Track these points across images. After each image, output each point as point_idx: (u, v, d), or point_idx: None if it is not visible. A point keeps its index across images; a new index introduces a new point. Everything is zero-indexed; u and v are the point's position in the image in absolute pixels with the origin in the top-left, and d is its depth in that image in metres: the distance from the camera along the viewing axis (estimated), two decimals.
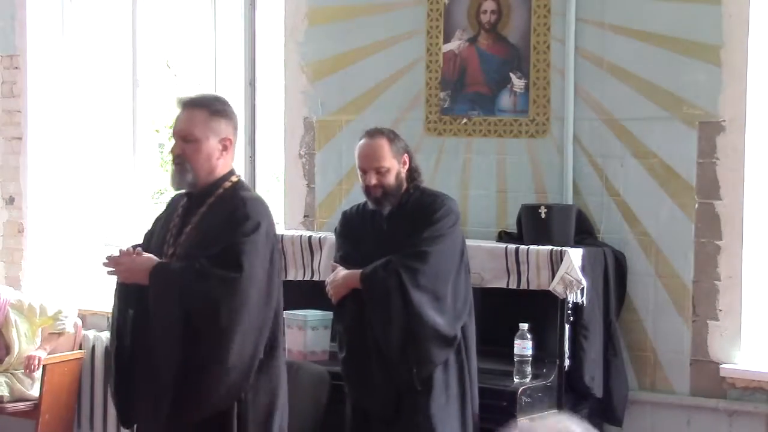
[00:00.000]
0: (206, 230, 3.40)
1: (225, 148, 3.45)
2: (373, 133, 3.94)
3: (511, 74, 4.71)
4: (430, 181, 4.83)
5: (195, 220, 3.44)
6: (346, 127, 5.11)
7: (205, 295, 3.24)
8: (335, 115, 5.16)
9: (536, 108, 4.65)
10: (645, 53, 4.40)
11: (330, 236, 4.91)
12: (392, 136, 3.94)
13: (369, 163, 3.88)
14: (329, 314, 4.67)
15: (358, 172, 3.94)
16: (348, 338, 3.90)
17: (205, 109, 3.43)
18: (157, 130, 7.22)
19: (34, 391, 5.54)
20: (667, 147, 4.37)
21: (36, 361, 5.49)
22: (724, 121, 4.25)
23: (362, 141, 3.95)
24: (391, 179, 3.89)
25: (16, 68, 6.15)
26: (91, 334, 5.84)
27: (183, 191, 3.54)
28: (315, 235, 4.93)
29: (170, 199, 3.73)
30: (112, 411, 5.73)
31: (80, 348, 5.80)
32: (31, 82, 6.12)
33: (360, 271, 3.82)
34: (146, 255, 3.36)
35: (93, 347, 5.80)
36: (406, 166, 3.93)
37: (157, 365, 3.31)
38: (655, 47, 4.38)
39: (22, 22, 6.10)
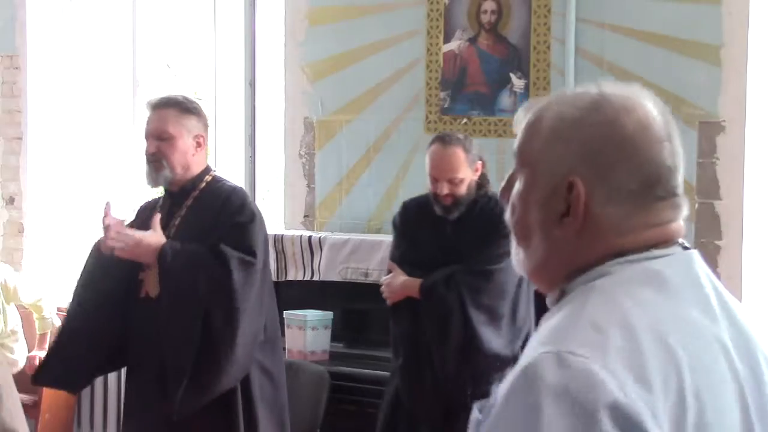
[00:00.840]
0: (199, 220, 3.46)
1: (199, 145, 3.54)
2: (448, 141, 3.76)
3: (511, 74, 4.71)
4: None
5: (183, 214, 3.51)
6: (346, 127, 5.12)
7: (226, 275, 3.31)
8: (335, 115, 5.16)
9: None
10: (645, 53, 4.40)
11: (330, 236, 4.92)
12: (468, 145, 3.76)
13: (443, 174, 3.72)
14: (329, 314, 4.68)
15: (428, 177, 3.78)
16: (404, 345, 3.80)
17: (176, 107, 3.51)
18: None
19: (18, 355, 5.45)
20: None
21: (37, 362, 5.48)
22: (724, 121, 4.25)
23: (436, 147, 3.76)
24: (463, 189, 3.74)
25: (16, 68, 6.16)
26: None
27: (154, 197, 3.64)
28: (315, 235, 4.93)
29: (138, 208, 3.79)
30: (112, 411, 5.73)
31: None
32: (31, 82, 6.12)
33: (420, 281, 3.71)
34: (150, 232, 3.38)
35: None
36: (478, 173, 3.80)
37: (173, 347, 3.32)
38: (655, 47, 4.38)
39: (22, 22, 6.10)
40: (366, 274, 4.76)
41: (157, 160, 3.47)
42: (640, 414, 1.13)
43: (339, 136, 5.14)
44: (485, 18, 4.77)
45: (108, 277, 3.50)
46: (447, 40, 4.86)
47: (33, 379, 3.80)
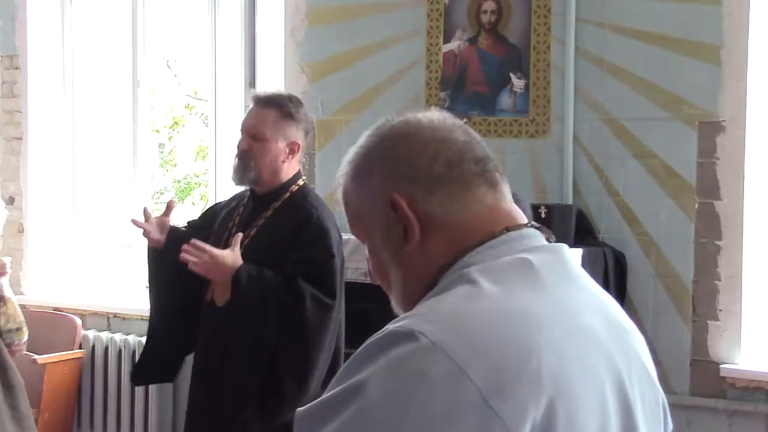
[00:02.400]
0: (273, 237, 3.37)
1: (292, 152, 3.43)
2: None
3: (511, 74, 4.71)
4: None
5: (260, 224, 3.42)
6: (346, 127, 5.12)
7: (299, 313, 3.24)
8: (335, 115, 5.17)
9: (536, 108, 4.65)
10: (645, 53, 4.40)
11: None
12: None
13: None
14: None
15: None
16: None
17: (278, 109, 3.41)
18: (157, 130, 7.24)
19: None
20: (667, 147, 4.37)
21: None
22: (724, 121, 4.25)
23: None
24: None
25: (16, 68, 6.16)
26: (91, 334, 5.84)
27: (247, 188, 3.53)
28: None
29: (234, 194, 3.70)
30: (112, 411, 5.73)
31: (80, 348, 5.81)
32: (31, 82, 6.12)
33: None
34: (228, 252, 3.29)
35: (93, 347, 5.80)
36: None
37: (240, 367, 3.29)
38: (655, 47, 4.38)
39: (22, 22, 6.10)
40: (366, 274, 4.75)
41: (245, 158, 3.40)
42: (469, 392, 1.13)
43: (339, 136, 5.14)
44: (485, 18, 4.77)
45: (179, 282, 3.47)
46: (447, 40, 4.87)
47: (132, 380, 4.12)
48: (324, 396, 1.20)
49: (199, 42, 6.00)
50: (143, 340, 5.52)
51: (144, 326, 5.63)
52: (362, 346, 1.22)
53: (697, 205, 4.31)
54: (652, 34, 4.39)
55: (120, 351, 5.71)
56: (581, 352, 1.23)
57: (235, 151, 3.48)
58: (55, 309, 5.97)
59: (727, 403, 4.25)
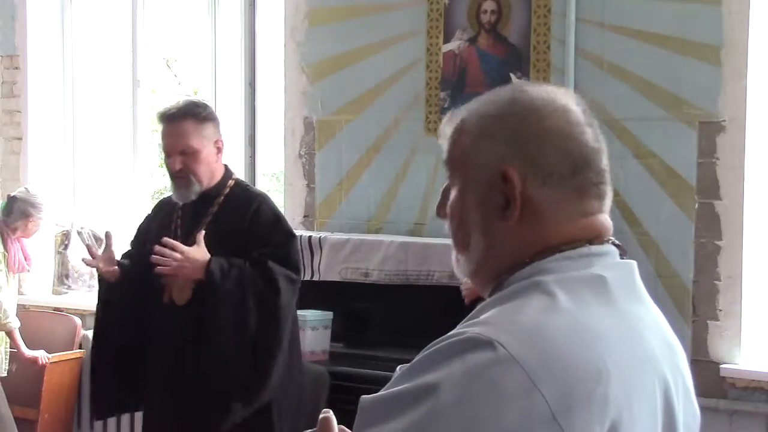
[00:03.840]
0: (227, 227, 3.45)
1: (219, 150, 3.53)
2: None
3: (511, 74, 4.71)
4: (429, 181, 4.84)
5: (208, 221, 3.48)
6: (346, 127, 5.12)
7: (274, 293, 3.35)
8: (335, 115, 5.16)
9: None
10: (645, 53, 4.40)
11: (330, 236, 4.92)
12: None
13: None
14: (329, 314, 4.69)
15: None
16: None
17: (193, 118, 3.45)
18: (157, 130, 7.23)
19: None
20: (667, 147, 4.37)
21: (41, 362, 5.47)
22: (724, 121, 4.25)
23: None
24: None
25: (16, 68, 6.16)
26: (90, 334, 5.83)
27: (168, 196, 3.62)
28: (315, 235, 4.93)
29: (159, 202, 3.78)
30: None
31: (80, 348, 5.80)
32: (31, 82, 6.12)
33: None
34: (195, 248, 3.36)
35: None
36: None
37: (222, 361, 3.32)
38: (655, 47, 4.38)
39: (22, 22, 6.10)
40: (366, 274, 4.76)
41: (184, 176, 3.44)
42: (543, 413, 1.14)
43: (339, 136, 5.14)
44: (485, 18, 4.77)
45: (131, 293, 3.51)
46: (447, 40, 4.86)
47: (96, 415, 3.96)
48: (393, 389, 1.20)
49: (199, 42, 5.99)
50: None
51: None
52: (436, 345, 1.21)
53: (697, 205, 4.31)
54: (652, 34, 4.39)
55: None
56: (642, 377, 1.26)
57: (166, 173, 3.55)
58: (55, 309, 5.97)
59: (727, 403, 4.25)
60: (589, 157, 1.32)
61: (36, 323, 5.71)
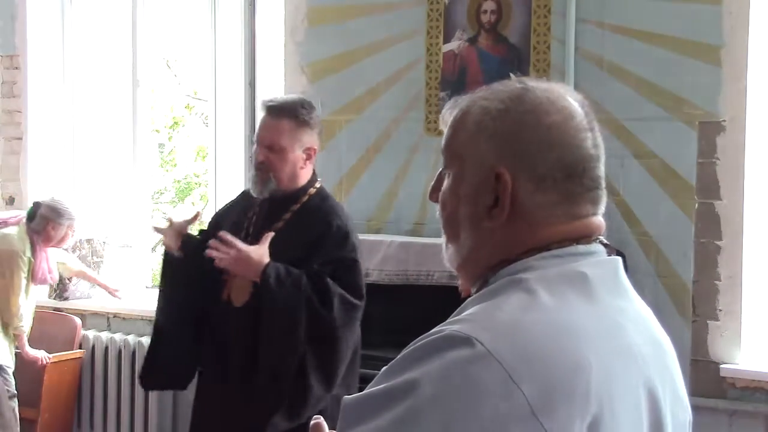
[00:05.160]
0: (294, 238, 3.36)
1: (309, 157, 3.44)
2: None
3: (511, 74, 4.69)
4: (429, 181, 4.83)
5: (279, 226, 3.40)
6: (346, 127, 5.12)
7: (327, 311, 3.26)
8: (335, 115, 5.16)
9: None
10: (645, 53, 4.40)
11: None
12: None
13: None
14: None
15: None
16: None
17: (293, 119, 3.39)
18: (157, 130, 7.24)
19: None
20: (667, 147, 4.37)
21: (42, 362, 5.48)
22: (724, 121, 4.25)
23: None
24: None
25: (16, 68, 6.16)
26: (90, 334, 5.84)
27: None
28: None
29: (241, 193, 3.69)
30: (112, 411, 5.73)
31: (80, 348, 5.81)
32: (31, 82, 6.13)
33: None
34: (256, 247, 3.28)
35: (93, 347, 5.81)
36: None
37: (274, 371, 3.26)
38: (655, 47, 4.38)
39: (22, 22, 6.11)
40: (366, 274, 4.74)
41: (264, 170, 3.39)
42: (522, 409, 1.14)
43: (339, 136, 5.14)
44: (485, 18, 4.77)
45: (194, 286, 3.45)
46: (447, 40, 4.87)
47: (142, 385, 3.88)
48: (374, 388, 1.21)
49: (199, 42, 6.00)
50: (143, 340, 5.55)
51: (144, 326, 5.64)
52: (415, 344, 1.22)
53: (697, 205, 4.31)
54: (652, 34, 4.39)
55: (120, 351, 5.72)
56: (625, 372, 1.26)
57: (252, 162, 3.49)
58: (55, 309, 5.97)
59: (727, 403, 4.25)
60: (586, 163, 1.31)
61: (36, 323, 5.70)
